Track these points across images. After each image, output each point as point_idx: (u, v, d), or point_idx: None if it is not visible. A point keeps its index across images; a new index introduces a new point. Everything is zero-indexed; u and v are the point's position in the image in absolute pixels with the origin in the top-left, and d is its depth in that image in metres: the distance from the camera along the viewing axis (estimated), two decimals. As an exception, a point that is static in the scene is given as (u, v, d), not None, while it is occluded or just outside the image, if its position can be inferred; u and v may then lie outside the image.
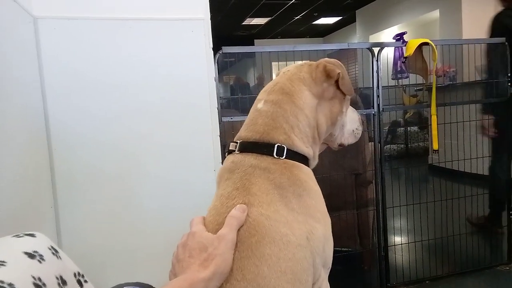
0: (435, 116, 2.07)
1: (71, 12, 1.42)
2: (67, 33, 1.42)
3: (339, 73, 0.92)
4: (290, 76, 0.94)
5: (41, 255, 0.62)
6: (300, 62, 0.99)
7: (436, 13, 6.20)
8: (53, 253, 0.65)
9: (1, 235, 0.65)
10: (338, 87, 0.94)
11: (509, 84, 2.17)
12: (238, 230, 0.72)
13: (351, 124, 1.02)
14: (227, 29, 10.12)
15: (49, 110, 1.41)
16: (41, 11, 1.39)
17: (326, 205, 0.88)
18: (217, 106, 1.65)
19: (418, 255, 2.32)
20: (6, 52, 1.11)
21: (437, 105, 2.10)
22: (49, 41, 1.40)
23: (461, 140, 2.49)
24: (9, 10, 1.16)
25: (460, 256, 2.32)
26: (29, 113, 1.29)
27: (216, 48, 1.70)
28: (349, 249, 2.24)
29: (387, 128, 6.01)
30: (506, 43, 2.16)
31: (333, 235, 0.87)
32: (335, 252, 0.89)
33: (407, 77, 2.28)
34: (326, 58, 0.97)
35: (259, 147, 0.84)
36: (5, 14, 1.13)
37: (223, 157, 1.57)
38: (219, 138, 1.64)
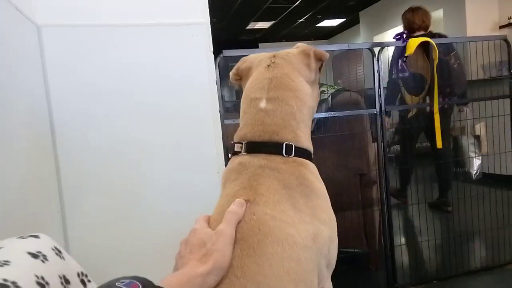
0: (438, 114, 2.06)
1: (73, 19, 1.45)
2: (70, 41, 1.45)
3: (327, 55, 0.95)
4: (283, 69, 0.91)
5: (44, 255, 0.63)
6: (282, 51, 0.97)
7: (440, 13, 6.17)
8: (56, 254, 0.67)
9: (8, 239, 0.67)
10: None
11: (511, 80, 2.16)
12: (242, 228, 0.72)
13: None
14: (232, 33, 10.17)
15: (54, 117, 1.43)
16: (45, 20, 1.41)
17: (332, 206, 0.87)
18: (219, 109, 1.67)
19: (425, 255, 2.31)
20: (10, 60, 1.13)
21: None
22: (53, 49, 1.42)
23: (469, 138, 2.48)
24: (12, 20, 1.19)
25: (468, 255, 2.30)
26: (34, 121, 1.31)
27: (219, 52, 1.72)
28: (355, 250, 2.24)
29: (393, 128, 5.96)
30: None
31: (339, 236, 0.86)
32: (341, 253, 0.89)
33: (408, 76, 2.28)
34: (301, 44, 0.99)
35: (268, 147, 0.83)
36: (9, 23, 1.16)
37: (226, 159, 1.58)
38: (221, 140, 1.66)
